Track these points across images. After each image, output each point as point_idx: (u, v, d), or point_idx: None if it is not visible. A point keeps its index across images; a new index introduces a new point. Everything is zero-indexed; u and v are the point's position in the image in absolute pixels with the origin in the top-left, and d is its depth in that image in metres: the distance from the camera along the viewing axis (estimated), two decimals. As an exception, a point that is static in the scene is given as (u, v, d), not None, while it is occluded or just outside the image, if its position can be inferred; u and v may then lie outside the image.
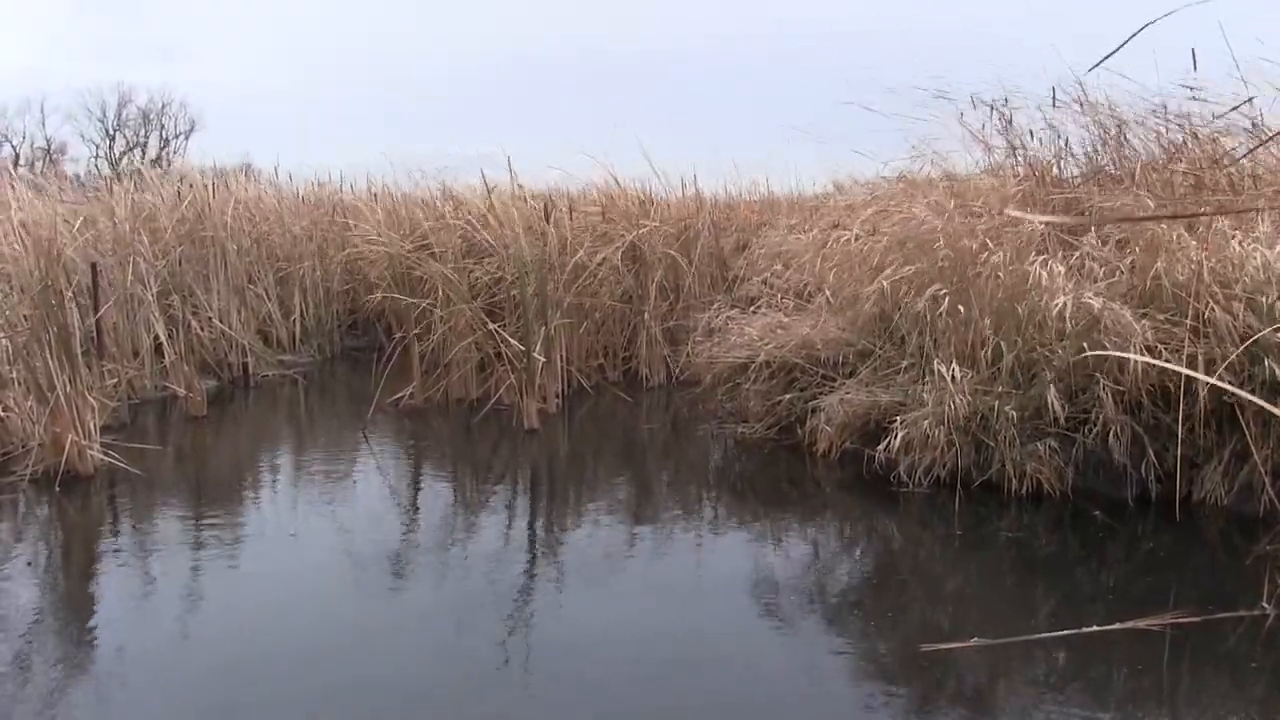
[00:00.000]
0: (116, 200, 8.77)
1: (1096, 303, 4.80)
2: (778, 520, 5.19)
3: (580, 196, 9.18)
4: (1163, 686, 3.27)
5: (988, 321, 5.19)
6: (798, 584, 4.19)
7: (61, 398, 5.49)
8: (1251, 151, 5.43)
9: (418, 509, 5.48)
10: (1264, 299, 4.57)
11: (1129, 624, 3.47)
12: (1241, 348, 4.25)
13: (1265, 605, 3.56)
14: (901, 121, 6.67)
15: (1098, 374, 4.81)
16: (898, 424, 5.16)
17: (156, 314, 7.95)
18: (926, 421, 5.06)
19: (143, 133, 35.80)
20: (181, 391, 7.58)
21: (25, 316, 5.82)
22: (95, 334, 7.12)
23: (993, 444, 4.96)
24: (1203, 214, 4.84)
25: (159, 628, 3.72)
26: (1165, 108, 6.00)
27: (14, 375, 5.80)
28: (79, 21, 47.14)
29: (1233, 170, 5.80)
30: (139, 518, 5.19)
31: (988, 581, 4.30)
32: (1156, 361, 3.88)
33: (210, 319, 8.75)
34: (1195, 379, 4.42)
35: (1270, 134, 5.29)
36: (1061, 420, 4.81)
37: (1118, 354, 4.51)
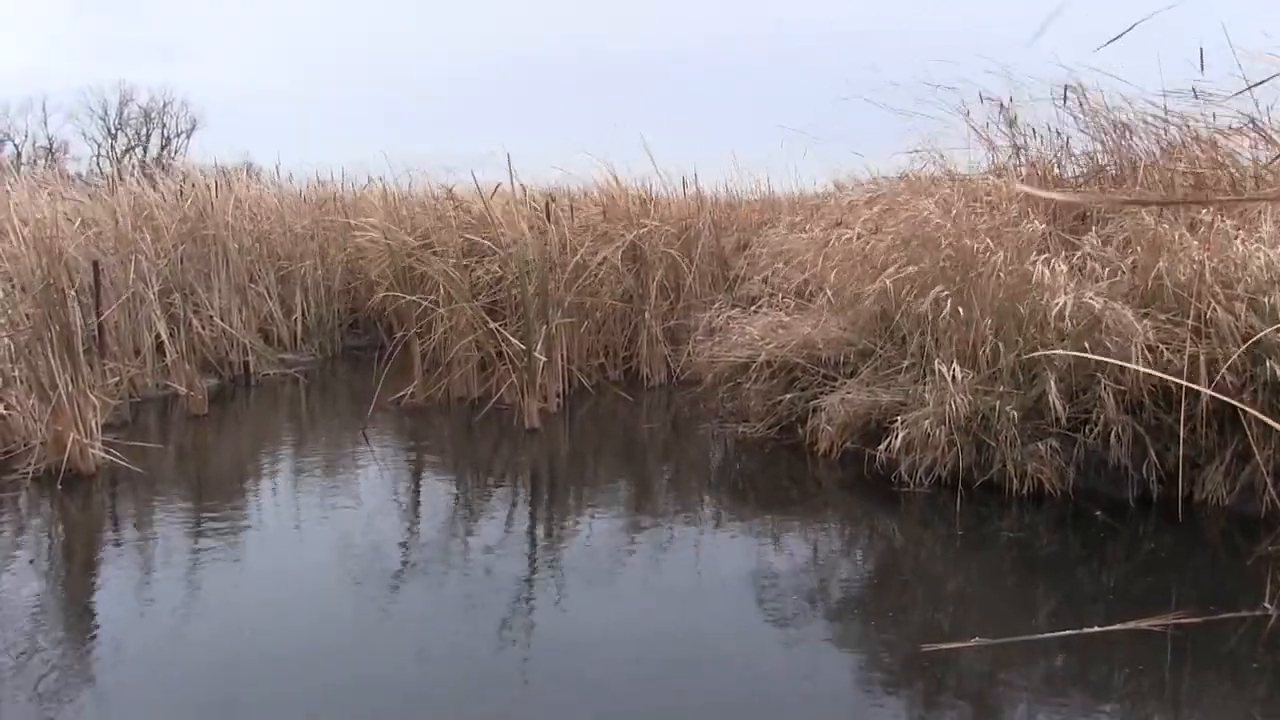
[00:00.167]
0: (118, 199, 8.78)
1: (1098, 302, 4.79)
2: (778, 520, 5.18)
3: (581, 196, 9.19)
4: (1164, 687, 3.27)
5: (989, 321, 5.19)
6: (798, 584, 4.19)
7: (63, 396, 5.49)
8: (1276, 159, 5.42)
9: (418, 508, 5.48)
10: (1266, 299, 4.56)
11: (1130, 624, 3.47)
12: (1243, 348, 4.25)
13: (1267, 606, 3.56)
14: (903, 120, 6.67)
15: (1099, 374, 4.81)
16: (899, 424, 5.16)
17: (158, 312, 7.95)
18: (927, 421, 5.06)
19: (144, 131, 35.81)
20: (183, 390, 7.58)
21: (27, 315, 5.82)
22: (97, 332, 7.13)
23: (994, 444, 4.96)
24: (1214, 201, 4.81)
25: (160, 626, 3.73)
26: (1166, 109, 6.00)
27: (16, 374, 5.80)
28: (80, 21, 47.10)
29: (1234, 170, 5.79)
30: (140, 516, 5.20)
31: (989, 581, 4.30)
32: (1137, 367, 3.87)
33: (212, 317, 8.76)
34: (1198, 374, 4.42)
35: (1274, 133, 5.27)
36: (1063, 420, 4.81)
37: (1099, 358, 4.50)
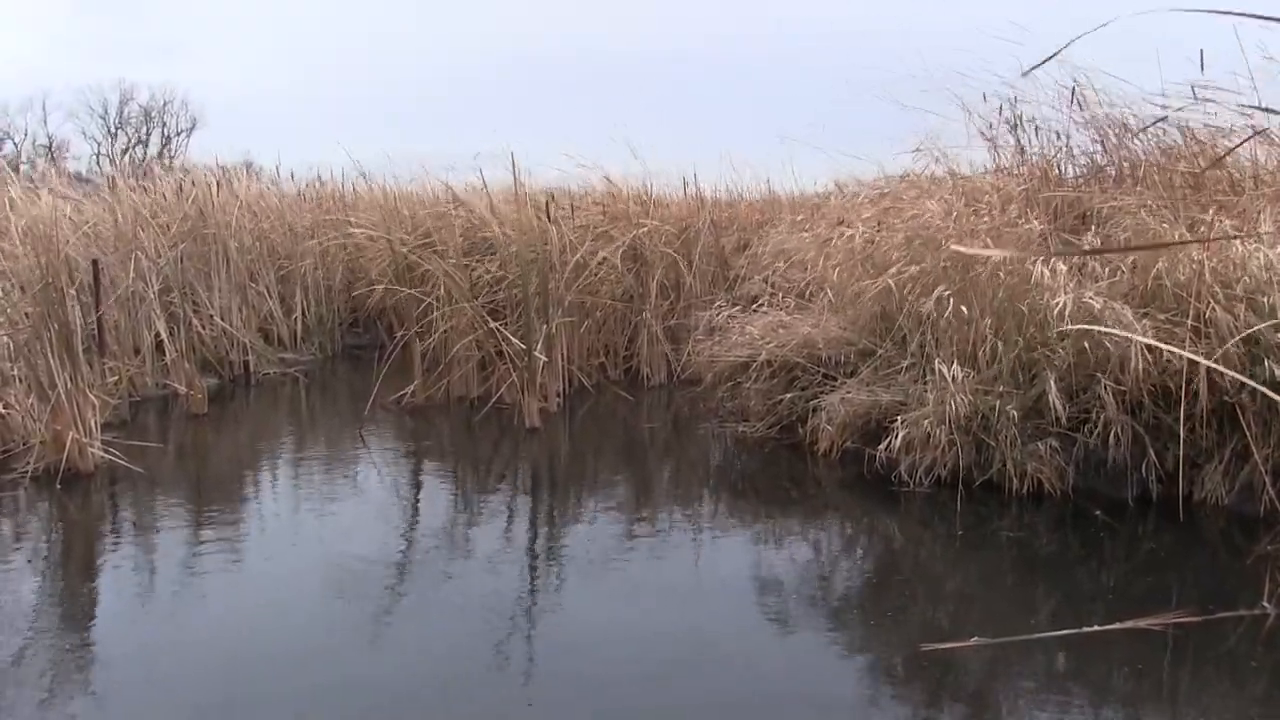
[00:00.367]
0: (118, 197, 8.78)
1: (1097, 302, 4.79)
2: (778, 519, 5.19)
3: (581, 195, 9.19)
4: (1163, 686, 3.27)
5: (989, 321, 5.19)
6: (798, 583, 4.19)
7: (62, 395, 5.49)
8: (1241, 144, 5.42)
9: (418, 507, 5.48)
10: (1265, 299, 4.57)
11: (1129, 624, 3.47)
12: (1239, 337, 4.24)
13: (1266, 605, 3.56)
14: (904, 119, 6.67)
15: (1098, 374, 4.81)
16: (899, 423, 5.16)
17: (158, 311, 7.95)
18: (927, 421, 5.06)
19: (144, 130, 35.82)
20: (182, 389, 7.58)
21: (26, 314, 5.82)
22: (96, 331, 7.13)
23: (993, 443, 4.96)
24: (1168, 245, 4.80)
25: (158, 625, 3.73)
26: (1166, 109, 6.00)
27: (15, 373, 5.80)
28: (80, 20, 47.16)
29: (1234, 171, 5.79)
30: (139, 515, 5.20)
31: (988, 581, 4.30)
32: (1151, 341, 3.87)
33: (212, 316, 8.75)
34: (1197, 374, 4.42)
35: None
36: (1062, 420, 4.81)
37: (1111, 332, 4.50)
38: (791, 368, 6.19)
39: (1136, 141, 6.35)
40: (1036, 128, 6.69)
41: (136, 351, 7.86)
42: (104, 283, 7.39)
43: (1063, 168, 6.83)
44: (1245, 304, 4.61)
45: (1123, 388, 4.73)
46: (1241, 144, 5.49)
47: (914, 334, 5.60)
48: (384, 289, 8.63)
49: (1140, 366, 4.60)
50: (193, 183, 9.37)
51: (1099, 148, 6.60)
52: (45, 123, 34.07)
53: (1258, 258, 4.66)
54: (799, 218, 7.70)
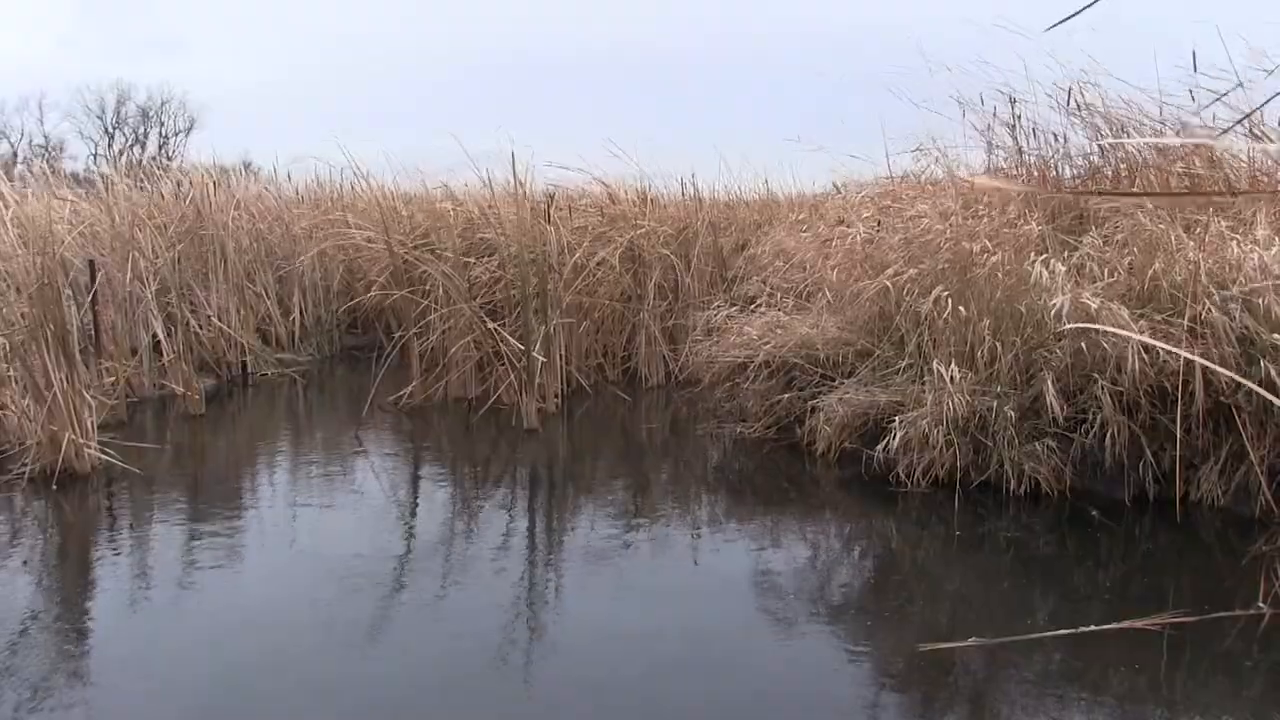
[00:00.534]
0: (115, 197, 8.77)
1: (1094, 302, 4.80)
2: (777, 520, 5.19)
3: (579, 196, 9.18)
4: (1159, 686, 3.28)
5: (986, 322, 5.20)
6: (796, 584, 4.19)
7: (58, 396, 5.48)
8: (1226, 131, 5.43)
9: (415, 509, 5.48)
10: (1261, 300, 4.58)
11: (1126, 624, 3.47)
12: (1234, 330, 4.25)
13: (1261, 605, 3.57)
14: (904, 119, 6.68)
15: (1095, 374, 4.82)
16: (896, 424, 5.17)
17: (155, 312, 7.94)
18: (925, 421, 5.07)
19: (142, 130, 35.79)
20: (180, 390, 7.57)
21: (22, 315, 5.81)
22: (93, 332, 7.12)
23: (991, 444, 4.97)
24: (1182, 194, 4.80)
25: (154, 626, 3.72)
26: (1163, 109, 6.01)
27: (11, 373, 5.79)
28: (79, 19, 47.11)
29: (1230, 171, 5.80)
30: (136, 516, 5.19)
31: (986, 581, 4.30)
32: (1148, 340, 3.89)
33: (209, 317, 8.74)
34: (1193, 375, 4.43)
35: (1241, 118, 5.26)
36: (1059, 420, 4.82)
37: (1109, 329, 4.51)
38: (789, 368, 6.19)
39: (1134, 142, 6.35)
40: (1035, 129, 6.70)
41: (134, 352, 7.85)
42: (101, 283, 7.38)
43: (1060, 169, 6.85)
44: (1241, 305, 4.62)
45: (1120, 388, 4.74)
46: (1225, 132, 5.50)
47: (912, 334, 5.61)
48: (381, 290, 8.63)
49: (1137, 367, 4.60)
50: (190, 183, 9.36)
51: (1096, 149, 6.61)
52: (42, 122, 34.05)
53: (1253, 259, 4.68)
54: (801, 216, 7.71)
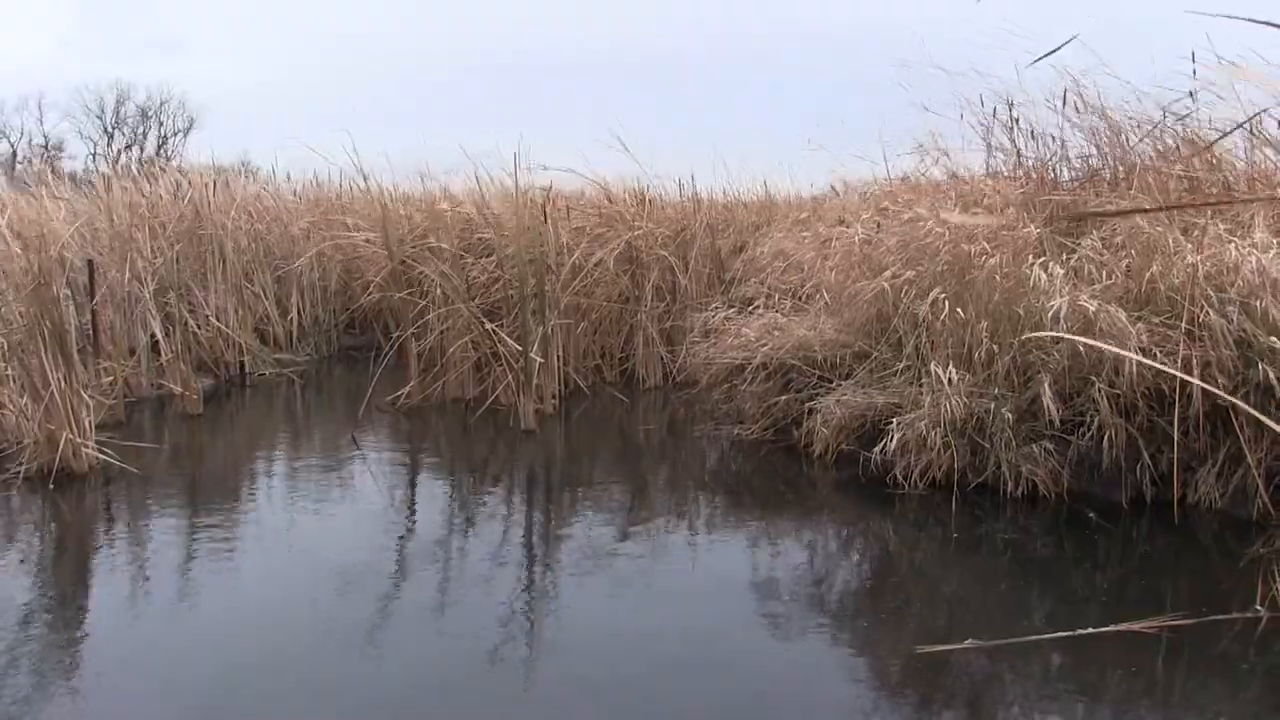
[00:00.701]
0: (113, 197, 8.76)
1: (1092, 305, 4.80)
2: (774, 522, 5.19)
3: (578, 196, 9.18)
4: (1156, 688, 3.28)
5: (984, 324, 5.20)
6: (794, 585, 4.19)
7: (56, 395, 5.47)
8: (1224, 136, 5.44)
9: (413, 509, 5.47)
10: (1258, 303, 4.58)
11: (1123, 626, 3.47)
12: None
13: (1258, 607, 3.57)
14: (905, 120, 6.68)
15: (1093, 377, 4.82)
16: (894, 426, 5.17)
17: (153, 312, 7.93)
18: (923, 423, 5.07)
19: (141, 130, 35.79)
20: (178, 390, 7.56)
21: (20, 314, 5.80)
22: (91, 332, 7.11)
23: (988, 446, 4.97)
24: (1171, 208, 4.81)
25: (151, 626, 3.71)
26: (1164, 111, 6.01)
27: (9, 373, 5.78)
28: (79, 19, 47.10)
29: (1229, 174, 5.81)
30: (133, 516, 5.18)
31: (983, 583, 4.30)
32: (1140, 358, 3.87)
33: (207, 317, 8.74)
34: (1188, 382, 4.43)
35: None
36: (1057, 423, 4.82)
37: (1096, 344, 4.51)
38: (787, 370, 6.19)
39: (1132, 143, 6.36)
40: (1033, 131, 6.71)
41: (132, 352, 7.84)
42: (99, 283, 7.37)
43: (1058, 171, 6.85)
44: (1238, 307, 4.63)
45: (1117, 391, 4.74)
46: (1224, 135, 5.51)
47: (909, 336, 5.61)
48: (379, 291, 8.62)
49: (1134, 370, 4.60)
50: (189, 183, 9.36)
51: (1094, 150, 6.62)
52: (41, 122, 34.04)
53: (1250, 261, 4.68)
54: (803, 215, 7.71)
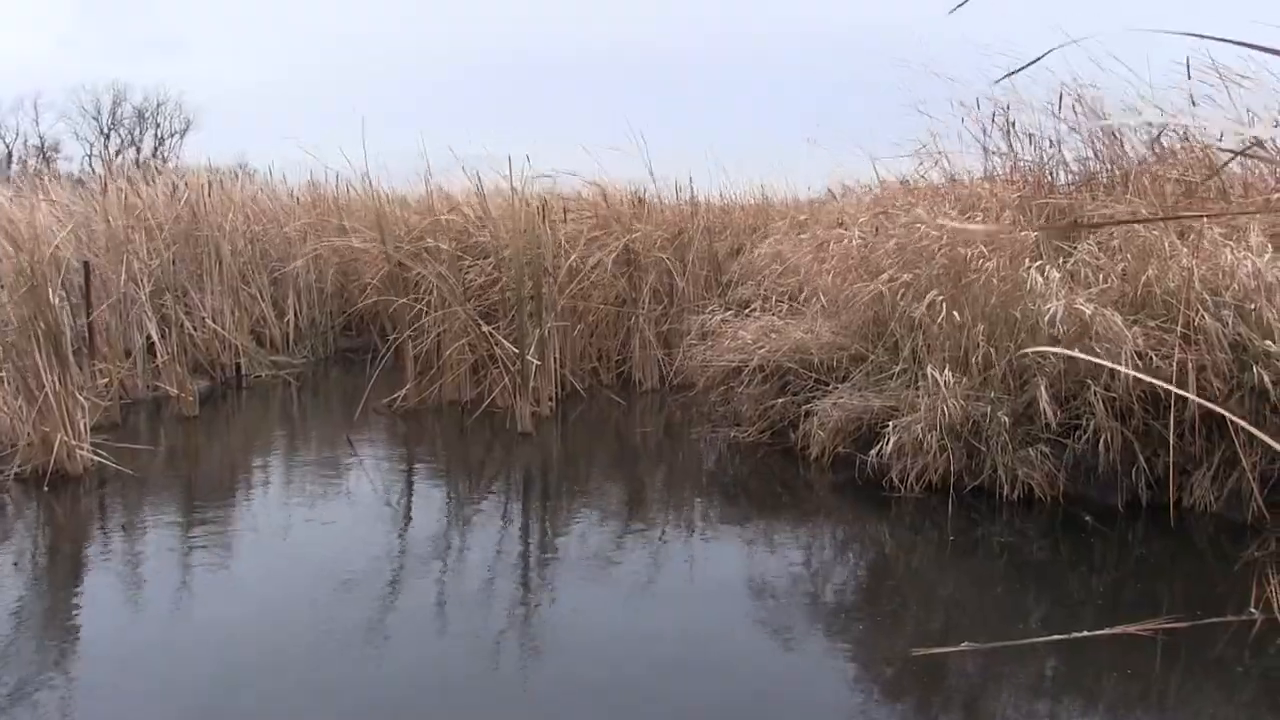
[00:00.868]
0: (109, 199, 8.75)
1: (1088, 309, 4.81)
2: (771, 525, 5.19)
3: (575, 198, 9.18)
4: (1152, 691, 3.28)
5: (981, 327, 5.21)
6: (790, 588, 4.19)
7: (50, 397, 5.46)
8: (1235, 157, 5.46)
9: (409, 512, 5.46)
10: (1253, 307, 4.59)
11: (1119, 629, 3.48)
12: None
13: (1253, 611, 3.58)
14: (904, 121, 6.69)
15: (1089, 380, 4.83)
16: (890, 429, 5.17)
17: (149, 313, 7.92)
18: (919, 426, 5.07)
19: (138, 131, 35.74)
20: (173, 392, 7.54)
21: (14, 315, 5.79)
22: (87, 333, 7.09)
23: (985, 449, 4.98)
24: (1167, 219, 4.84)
25: (146, 628, 3.71)
26: (1163, 113, 6.02)
27: (2, 374, 5.77)
28: (79, 19, 47.05)
29: (1225, 179, 5.83)
30: (128, 518, 5.17)
31: (979, 586, 4.30)
32: (1135, 373, 3.90)
33: (203, 319, 8.72)
34: (1186, 381, 4.44)
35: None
36: (1053, 426, 4.83)
37: (1089, 358, 4.52)
38: (784, 373, 6.19)
39: (1129, 146, 6.38)
40: (1030, 135, 6.73)
41: (127, 354, 7.82)
42: (95, 284, 7.35)
43: (1055, 174, 6.87)
44: (1234, 311, 4.64)
45: (1113, 395, 4.75)
46: (1237, 155, 5.53)
47: (906, 339, 5.61)
48: (376, 293, 8.61)
49: (1129, 374, 4.61)
50: (185, 184, 9.34)
51: (1091, 154, 6.64)
52: (37, 123, 33.97)
53: (1246, 265, 4.69)
54: (802, 217, 7.71)
